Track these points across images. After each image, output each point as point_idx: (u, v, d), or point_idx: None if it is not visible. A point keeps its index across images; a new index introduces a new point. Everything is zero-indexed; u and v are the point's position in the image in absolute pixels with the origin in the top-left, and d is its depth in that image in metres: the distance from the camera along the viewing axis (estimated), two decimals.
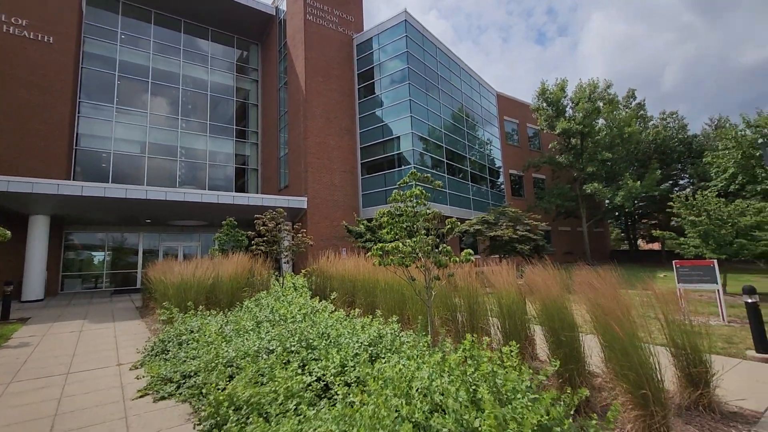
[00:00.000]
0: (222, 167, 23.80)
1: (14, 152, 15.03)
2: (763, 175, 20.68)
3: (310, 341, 4.25)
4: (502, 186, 28.55)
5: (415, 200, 4.87)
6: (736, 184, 21.50)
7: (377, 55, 21.03)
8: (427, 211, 4.87)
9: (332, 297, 6.32)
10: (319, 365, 3.68)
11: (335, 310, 5.94)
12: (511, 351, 2.82)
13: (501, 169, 28.60)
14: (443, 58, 23.25)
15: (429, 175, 5.63)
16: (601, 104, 26.08)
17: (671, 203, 13.13)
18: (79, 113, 19.19)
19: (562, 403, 2.36)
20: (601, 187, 24.27)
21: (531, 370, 2.73)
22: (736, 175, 21.86)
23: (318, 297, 6.81)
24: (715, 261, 8.49)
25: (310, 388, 3.41)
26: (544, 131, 28.96)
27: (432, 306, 5.17)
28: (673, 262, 9.05)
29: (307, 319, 5.30)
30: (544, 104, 27.55)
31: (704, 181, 25.07)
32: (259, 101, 25.70)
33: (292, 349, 4.15)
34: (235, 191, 23.63)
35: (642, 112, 29.77)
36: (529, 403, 2.24)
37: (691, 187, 27.55)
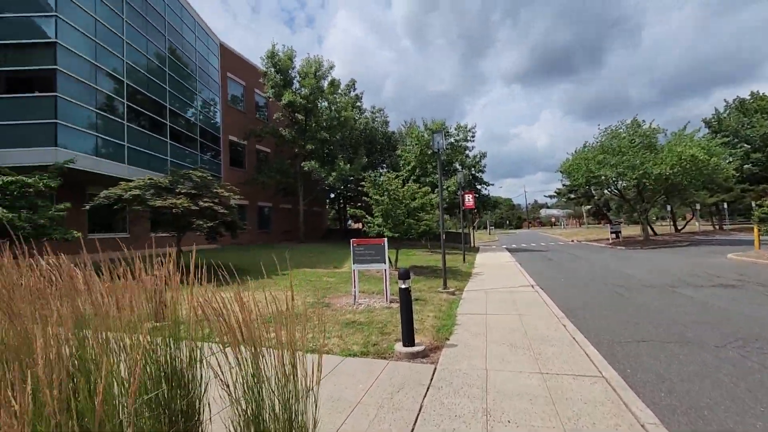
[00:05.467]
0: None
1: None
2: (430, 169, 26.00)
3: None
4: (221, 154, 24.64)
5: None
6: (415, 175, 26.22)
7: None
8: None
9: None
10: None
11: None
12: None
13: (220, 134, 24.56)
14: None
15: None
16: (325, 83, 26.39)
17: (363, 182, 13.45)
18: None
19: None
20: (317, 166, 24.49)
21: None
22: (415, 168, 26.70)
23: None
24: (386, 240, 8.19)
25: None
26: (271, 99, 27.00)
27: None
28: (351, 240, 8.32)
29: None
30: (273, 69, 25.47)
31: (395, 170, 29.78)
32: None
33: None
34: None
35: (359, 103, 32.62)
36: None
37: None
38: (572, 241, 35.21)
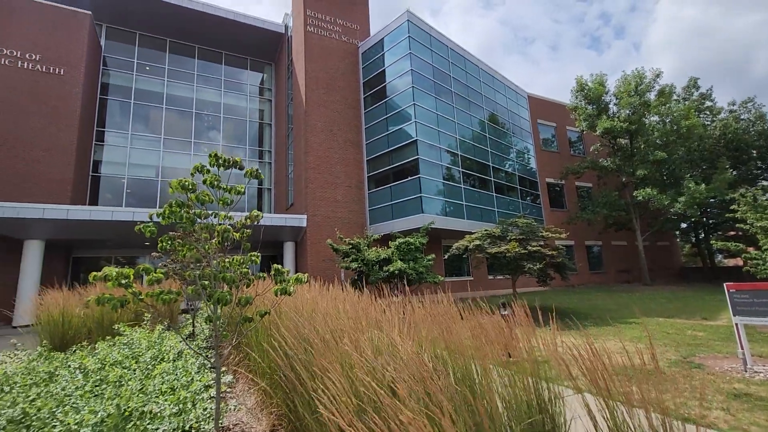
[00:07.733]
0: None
1: (17, 179, 15.55)
2: None
3: None
4: (540, 197, 25.43)
5: None
6: None
7: (381, 61, 19.71)
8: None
9: None
10: None
11: None
12: None
13: (537, 179, 25.55)
14: (457, 59, 21.33)
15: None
16: (651, 96, 22.46)
17: (734, 206, 10.00)
18: (98, 141, 20.04)
19: None
20: (655, 193, 20.43)
21: None
22: None
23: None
24: None
25: None
26: (585, 132, 25.64)
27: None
28: (725, 285, 6.30)
29: None
30: (583, 102, 24.37)
31: None
32: (273, 120, 25.44)
33: None
34: None
35: (709, 103, 25.29)
36: None
37: None
38: None
